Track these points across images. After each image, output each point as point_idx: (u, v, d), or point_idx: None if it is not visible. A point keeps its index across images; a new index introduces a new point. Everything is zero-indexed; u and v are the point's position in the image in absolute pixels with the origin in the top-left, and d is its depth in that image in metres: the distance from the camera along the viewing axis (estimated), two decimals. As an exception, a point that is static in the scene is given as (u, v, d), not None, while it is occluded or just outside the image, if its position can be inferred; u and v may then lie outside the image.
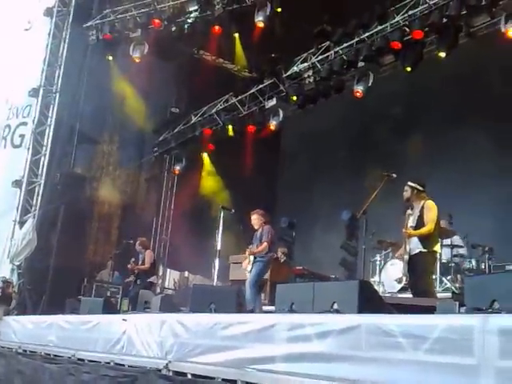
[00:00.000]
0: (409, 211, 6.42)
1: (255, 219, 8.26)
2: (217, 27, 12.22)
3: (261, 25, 11.18)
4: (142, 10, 12.71)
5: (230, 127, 13.46)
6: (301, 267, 10.93)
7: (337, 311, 3.94)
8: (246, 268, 8.08)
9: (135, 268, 10.46)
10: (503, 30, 8.54)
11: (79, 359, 6.22)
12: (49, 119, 12.91)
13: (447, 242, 8.85)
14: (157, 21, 12.46)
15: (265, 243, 8.02)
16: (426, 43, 9.87)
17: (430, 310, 4.38)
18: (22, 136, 12.89)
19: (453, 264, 8.83)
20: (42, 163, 12.71)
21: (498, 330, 2.76)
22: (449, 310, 3.85)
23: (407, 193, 6.48)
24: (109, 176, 14.21)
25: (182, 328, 4.95)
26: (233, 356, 4.25)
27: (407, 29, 9.60)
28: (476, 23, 9.27)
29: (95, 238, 13.75)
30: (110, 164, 14.46)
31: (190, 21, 12.49)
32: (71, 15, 13.21)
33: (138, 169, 15.00)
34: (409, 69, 9.93)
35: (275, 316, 4.33)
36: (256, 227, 8.26)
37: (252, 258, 8.03)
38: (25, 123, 12.96)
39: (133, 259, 10.59)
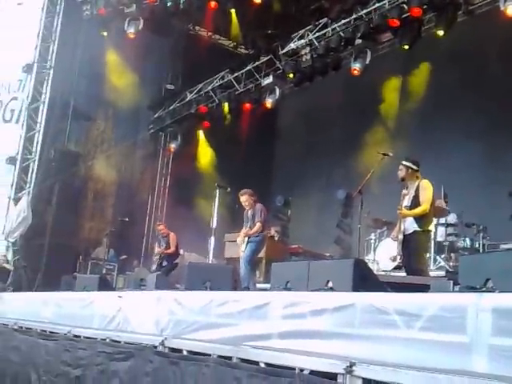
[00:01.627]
0: (404, 191, 6.41)
1: (246, 200, 8.21)
2: (213, 3, 12.08)
3: (258, 1, 11.04)
4: (137, -15, 12.52)
5: (226, 104, 13.38)
6: (296, 245, 10.98)
7: (331, 289, 3.95)
8: (240, 246, 8.09)
9: (163, 253, 10.63)
10: (502, 7, 8.47)
11: (75, 336, 6.23)
12: (43, 95, 12.82)
13: (442, 220, 8.90)
14: (152, -4, 12.29)
15: (258, 223, 8.01)
16: (425, 21, 9.80)
17: (424, 288, 4.41)
18: (13, 111, 12.80)
19: (447, 243, 8.89)
20: (36, 140, 12.66)
21: (492, 309, 2.77)
22: (443, 289, 3.88)
23: (402, 172, 6.46)
24: (103, 153, 14.14)
25: (178, 305, 4.96)
26: (228, 333, 4.27)
27: (405, 6, 9.51)
28: (475, 1, 9.19)
29: (90, 216, 13.75)
30: (104, 141, 14.39)
31: (186, -4, 12.30)
32: (65, -11, 13.02)
33: (132, 146, 14.92)
34: (406, 47, 9.87)
35: (270, 294, 4.35)
36: (247, 208, 8.24)
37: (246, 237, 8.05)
38: (15, 98, 12.85)
39: (163, 245, 10.75)
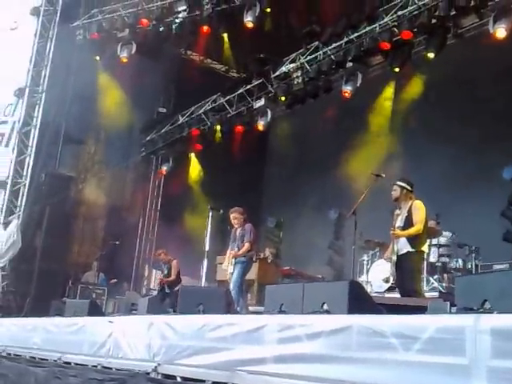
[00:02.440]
0: (397, 211, 6.39)
1: (236, 218, 8.14)
2: (205, 27, 12.18)
3: (250, 25, 11.16)
4: (130, 10, 12.65)
5: (218, 127, 13.42)
6: (288, 267, 10.92)
7: (327, 312, 3.90)
8: (227, 269, 7.96)
9: (164, 282, 10.54)
10: (491, 30, 8.60)
11: (65, 362, 6.10)
12: (34, 119, 12.80)
13: (434, 241, 8.89)
14: (145, 21, 12.42)
15: (247, 244, 7.90)
16: (415, 44, 9.92)
17: (420, 309, 4.36)
18: (2, 135, 12.74)
19: (439, 264, 8.87)
20: (26, 163, 12.60)
21: (490, 330, 2.74)
22: (440, 310, 3.84)
23: (396, 192, 6.45)
24: (95, 176, 14.09)
25: (170, 330, 4.87)
26: (222, 358, 4.19)
27: (396, 29, 9.65)
28: (464, 24, 9.34)
29: (80, 239, 13.62)
30: (95, 164, 14.35)
31: (178, 21, 12.44)
32: (58, 14, 13.11)
33: (124, 169, 14.89)
34: (397, 69, 9.99)
35: (265, 317, 4.28)
36: (236, 226, 8.15)
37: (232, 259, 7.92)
38: (5, 122, 12.81)
39: (165, 271, 10.68)
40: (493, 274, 4.88)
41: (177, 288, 10.52)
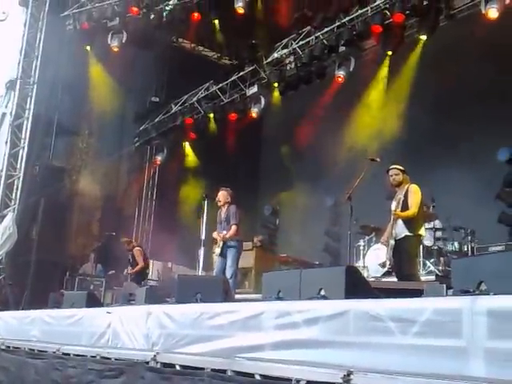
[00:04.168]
0: (398, 195, 6.41)
1: (222, 195, 8.03)
2: (196, 14, 12.08)
3: (241, 11, 11.06)
4: (120, -2, 12.50)
5: (212, 115, 13.36)
6: (285, 255, 10.94)
7: (324, 297, 3.91)
8: (214, 251, 7.90)
9: (133, 273, 10.55)
10: (483, 11, 8.57)
11: (64, 354, 6.10)
12: (26, 112, 12.70)
13: (430, 225, 8.90)
14: (135, 9, 12.29)
15: (234, 226, 7.82)
16: (407, 26, 9.88)
17: (417, 293, 4.37)
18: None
19: (435, 247, 8.89)
20: (20, 156, 12.51)
21: (487, 311, 2.74)
22: (436, 293, 3.85)
23: (399, 176, 6.46)
24: (88, 168, 14.02)
25: (168, 319, 4.88)
26: (221, 345, 4.20)
27: (388, 12, 9.60)
28: (456, 5, 9.31)
29: (76, 231, 13.59)
30: (89, 155, 14.27)
31: (168, 8, 12.32)
32: (47, 4, 12.94)
33: (118, 160, 14.82)
34: (390, 52, 9.96)
35: (262, 304, 4.28)
36: (219, 204, 8.05)
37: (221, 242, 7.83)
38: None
39: (131, 261, 10.63)
40: (488, 256, 4.89)
41: (145, 277, 10.48)
